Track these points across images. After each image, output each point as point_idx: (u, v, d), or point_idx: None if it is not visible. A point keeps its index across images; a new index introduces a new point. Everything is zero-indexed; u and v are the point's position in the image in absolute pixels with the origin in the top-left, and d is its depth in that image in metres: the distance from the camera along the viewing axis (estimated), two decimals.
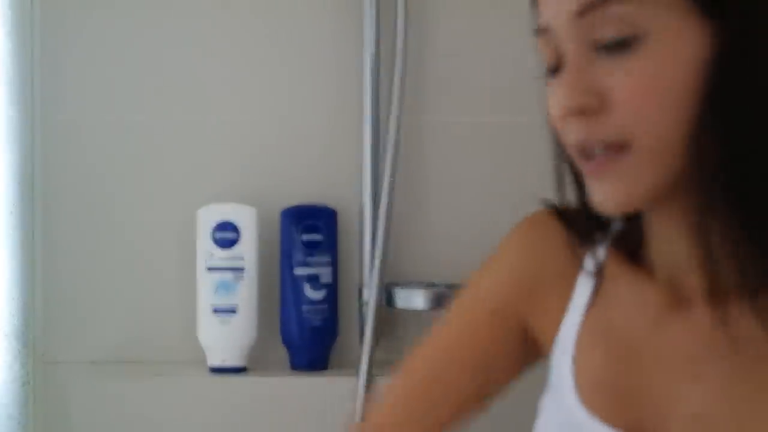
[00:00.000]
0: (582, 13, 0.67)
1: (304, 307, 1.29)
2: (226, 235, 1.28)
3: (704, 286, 0.70)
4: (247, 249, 1.29)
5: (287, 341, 1.30)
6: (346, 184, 1.32)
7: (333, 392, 1.26)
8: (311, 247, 1.29)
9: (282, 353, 1.31)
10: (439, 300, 1.26)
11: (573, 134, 0.69)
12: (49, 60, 1.31)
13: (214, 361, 1.28)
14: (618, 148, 0.67)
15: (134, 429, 1.27)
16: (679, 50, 0.66)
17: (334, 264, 1.31)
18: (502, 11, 1.34)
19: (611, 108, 0.67)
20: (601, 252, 0.79)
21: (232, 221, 1.28)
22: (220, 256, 1.28)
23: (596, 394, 0.75)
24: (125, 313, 1.32)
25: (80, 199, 1.32)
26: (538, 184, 1.33)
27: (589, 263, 0.79)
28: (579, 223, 0.80)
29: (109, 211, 1.32)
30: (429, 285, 1.31)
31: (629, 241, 0.78)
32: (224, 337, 1.28)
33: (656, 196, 0.69)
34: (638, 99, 0.66)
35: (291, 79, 1.33)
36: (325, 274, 1.30)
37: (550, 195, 1.38)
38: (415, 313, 1.29)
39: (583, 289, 0.79)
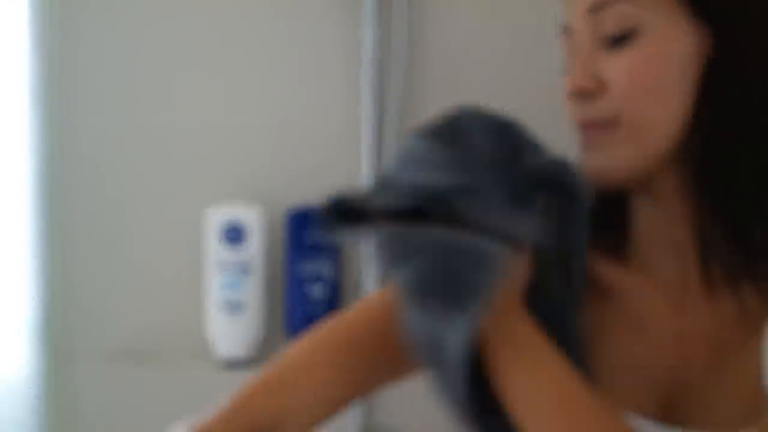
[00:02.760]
0: (593, 10, 0.75)
1: (309, 305, 1.32)
2: (233, 234, 1.32)
3: (691, 273, 0.76)
4: (253, 247, 1.32)
5: (292, 336, 1.34)
6: (349, 184, 1.35)
7: None
8: (315, 246, 1.33)
9: (287, 348, 1.34)
10: None
11: (575, 114, 0.77)
12: (66, 65, 1.35)
13: (222, 354, 1.32)
14: (609, 123, 0.75)
15: (147, 419, 1.31)
16: (669, 46, 0.73)
17: (337, 262, 1.34)
18: (503, 12, 1.36)
19: (607, 90, 0.75)
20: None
21: (239, 221, 1.32)
22: (228, 254, 1.32)
23: (607, 377, 0.79)
24: (138, 310, 1.37)
25: (96, 200, 1.36)
26: None
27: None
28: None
29: (123, 211, 1.36)
30: None
31: (610, 245, 0.83)
32: (231, 333, 1.33)
33: (640, 173, 0.75)
34: (628, 83, 0.74)
35: (294, 81, 1.36)
36: (328, 272, 1.34)
37: None
38: None
39: None
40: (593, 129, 0.76)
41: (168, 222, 1.36)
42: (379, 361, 0.80)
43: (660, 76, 0.73)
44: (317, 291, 1.33)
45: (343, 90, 1.35)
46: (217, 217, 1.33)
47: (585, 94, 0.75)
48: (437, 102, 1.35)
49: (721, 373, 0.78)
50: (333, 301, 1.34)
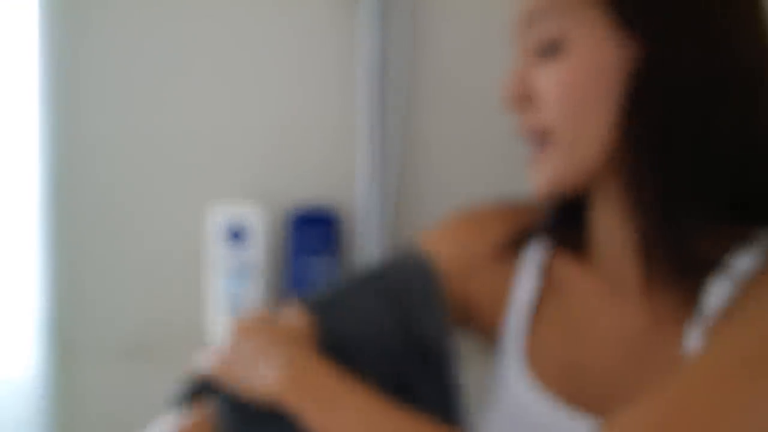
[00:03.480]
0: (525, 22, 0.79)
1: None
2: (234, 234, 1.33)
3: (633, 274, 0.78)
4: (254, 247, 1.33)
5: None
6: (348, 184, 1.35)
7: None
8: (315, 247, 1.33)
9: None
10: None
11: (520, 125, 0.82)
12: (72, 68, 1.37)
13: None
14: (542, 138, 0.79)
15: (152, 417, 1.32)
16: (594, 59, 0.74)
17: (337, 264, 1.34)
18: (502, 14, 1.34)
19: (539, 104, 0.78)
20: (546, 248, 0.89)
21: (240, 220, 1.33)
22: (228, 254, 1.33)
23: (544, 371, 0.84)
24: (141, 310, 1.38)
25: (102, 200, 1.38)
26: None
27: (533, 257, 0.89)
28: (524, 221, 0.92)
29: (127, 210, 1.38)
30: None
31: (575, 240, 0.87)
32: None
33: (576, 184, 0.79)
34: (555, 95, 0.76)
35: (294, 81, 1.36)
36: (329, 272, 1.33)
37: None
38: None
39: (524, 277, 0.89)
40: (531, 140, 0.80)
41: (170, 221, 1.37)
42: None
43: (585, 88, 0.74)
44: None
45: (344, 90, 1.35)
46: (219, 217, 1.33)
47: (516, 101, 0.79)
48: (438, 102, 1.36)
49: (644, 373, 0.80)
50: None
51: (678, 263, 0.75)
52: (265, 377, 0.78)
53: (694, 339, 0.75)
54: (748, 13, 0.74)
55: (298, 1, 1.35)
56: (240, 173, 1.37)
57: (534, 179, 0.81)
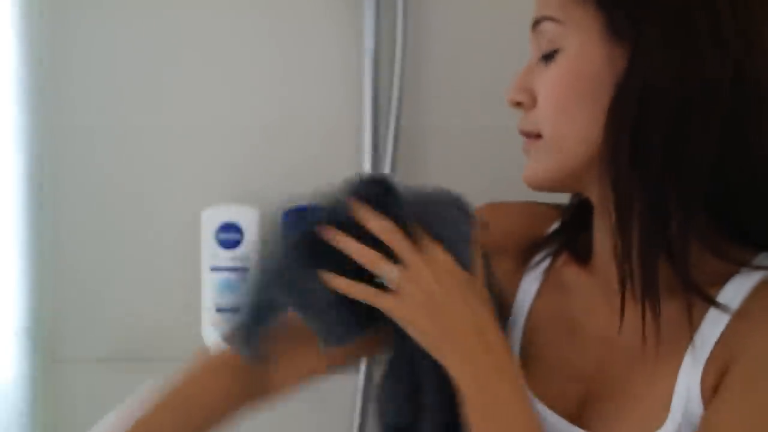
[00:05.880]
0: (534, 28, 0.84)
1: None
2: (230, 236, 1.31)
3: (619, 278, 0.79)
4: (250, 250, 1.31)
5: None
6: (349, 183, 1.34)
7: (333, 390, 1.29)
8: None
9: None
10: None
11: (519, 123, 0.85)
12: (56, 63, 1.33)
13: None
14: (535, 136, 0.83)
15: None
16: (584, 63, 0.79)
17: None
18: (502, 12, 1.36)
19: (538, 105, 0.82)
20: (553, 251, 0.93)
21: (235, 222, 1.31)
22: (224, 256, 1.31)
23: (535, 370, 0.86)
24: (131, 313, 1.35)
25: (87, 201, 1.34)
26: None
27: (538, 256, 0.93)
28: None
29: (116, 212, 1.34)
30: None
31: (581, 243, 0.91)
32: None
33: (564, 180, 0.82)
34: (548, 101, 0.81)
35: (292, 81, 1.35)
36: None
37: (550, 198, 1.40)
38: None
39: (531, 276, 0.93)
40: (525, 138, 0.84)
41: (163, 224, 1.35)
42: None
43: (574, 89, 0.79)
44: None
45: (342, 91, 1.34)
46: (212, 219, 1.31)
47: (516, 102, 0.84)
48: (437, 103, 1.36)
49: (633, 383, 0.81)
50: None
51: (648, 278, 0.77)
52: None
53: (687, 365, 0.77)
54: (737, 26, 0.76)
55: (295, 2, 1.34)
56: (234, 175, 1.35)
57: (525, 173, 0.85)
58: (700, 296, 0.77)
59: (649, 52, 0.75)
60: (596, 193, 0.83)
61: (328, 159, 1.36)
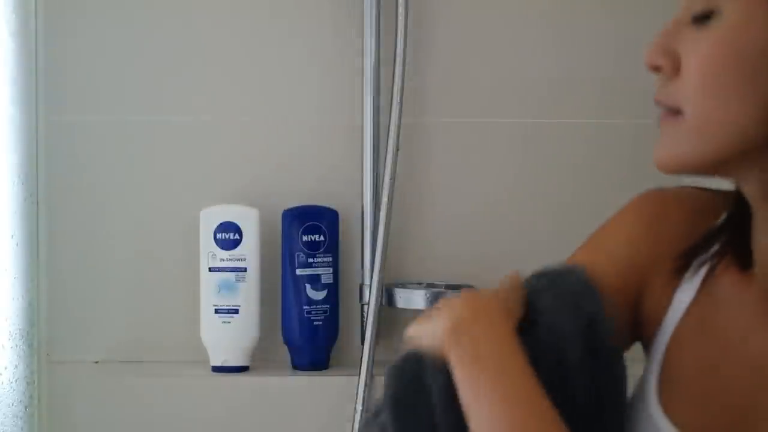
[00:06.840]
0: None
1: (306, 308, 1.30)
2: (229, 236, 1.30)
3: None
4: (249, 250, 1.30)
5: (288, 341, 1.32)
6: (346, 185, 1.33)
7: (333, 392, 1.28)
8: (312, 248, 1.31)
9: (283, 353, 1.32)
10: (439, 300, 1.27)
11: (657, 91, 0.72)
12: (52, 62, 1.32)
13: (217, 360, 1.29)
14: (675, 111, 0.70)
15: (138, 427, 1.29)
16: (744, 35, 0.66)
17: (334, 264, 1.32)
18: (502, 13, 1.35)
19: (681, 74, 0.69)
20: (713, 249, 0.78)
21: (234, 222, 1.30)
22: (223, 256, 1.29)
23: (675, 395, 0.75)
24: (129, 313, 1.34)
25: (84, 201, 1.33)
26: (538, 185, 1.36)
27: (698, 259, 0.78)
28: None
29: (113, 212, 1.33)
30: (429, 285, 1.32)
31: (741, 244, 0.76)
32: (226, 337, 1.30)
33: (708, 169, 0.70)
34: (695, 76, 0.68)
35: (292, 81, 1.34)
36: (326, 274, 1.31)
37: (550, 196, 1.40)
38: (415, 313, 1.29)
39: (688, 284, 0.78)
40: (663, 110, 0.71)
41: (161, 224, 1.33)
42: None
43: (729, 66, 0.66)
44: (314, 294, 1.30)
45: (343, 92, 1.33)
46: (211, 219, 1.30)
47: (656, 68, 0.71)
48: (437, 103, 1.36)
49: None
50: (331, 304, 1.32)
51: None
52: (433, 330, 0.78)
53: None
54: None
55: (297, 4, 1.34)
56: (234, 175, 1.34)
57: (656, 152, 0.71)
58: None
59: None
60: (756, 187, 0.70)
61: (328, 159, 1.34)
